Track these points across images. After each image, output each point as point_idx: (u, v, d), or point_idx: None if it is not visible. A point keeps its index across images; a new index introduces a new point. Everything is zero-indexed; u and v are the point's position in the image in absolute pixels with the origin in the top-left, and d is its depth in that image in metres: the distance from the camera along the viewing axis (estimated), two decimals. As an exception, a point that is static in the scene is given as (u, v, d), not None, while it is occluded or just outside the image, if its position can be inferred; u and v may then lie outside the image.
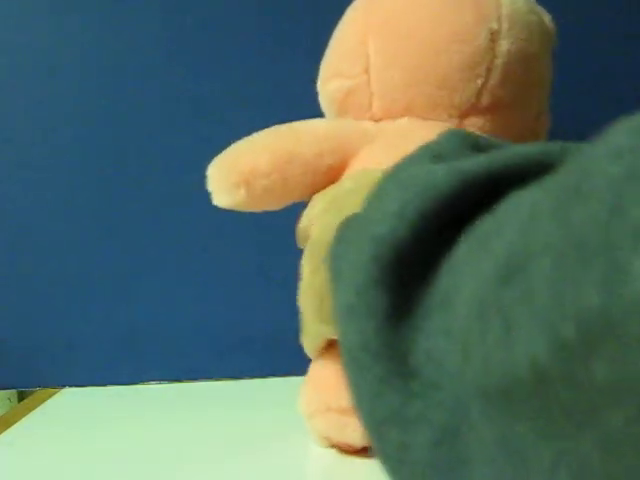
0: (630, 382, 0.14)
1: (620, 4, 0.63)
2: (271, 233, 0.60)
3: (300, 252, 0.42)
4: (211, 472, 0.41)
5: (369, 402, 0.21)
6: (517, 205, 0.19)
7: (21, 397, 0.68)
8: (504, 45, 0.41)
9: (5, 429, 0.49)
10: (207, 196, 0.56)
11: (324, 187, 0.42)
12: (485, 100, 0.42)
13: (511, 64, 0.42)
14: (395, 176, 0.24)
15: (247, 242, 0.62)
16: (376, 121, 0.44)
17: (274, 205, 0.43)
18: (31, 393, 0.62)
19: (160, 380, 0.62)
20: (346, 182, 0.37)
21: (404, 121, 0.42)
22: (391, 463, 0.21)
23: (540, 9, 0.45)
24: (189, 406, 0.55)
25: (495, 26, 0.41)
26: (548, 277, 0.16)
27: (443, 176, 0.21)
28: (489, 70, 0.41)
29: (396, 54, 0.42)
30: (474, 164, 0.21)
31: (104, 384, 0.62)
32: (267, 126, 0.44)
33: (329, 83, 0.45)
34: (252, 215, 0.52)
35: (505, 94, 0.43)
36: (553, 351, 0.15)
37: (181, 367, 0.63)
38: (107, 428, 0.49)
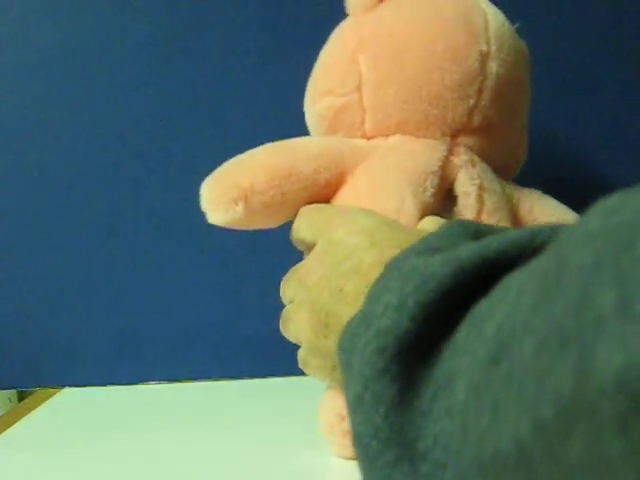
0: (604, 459, 0.15)
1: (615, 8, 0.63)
2: (271, 233, 0.60)
3: (299, 252, 0.42)
4: (211, 472, 0.41)
5: None
6: (506, 289, 0.20)
7: (21, 397, 0.68)
8: (493, 67, 0.42)
9: (5, 429, 0.49)
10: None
11: (321, 202, 0.42)
12: (476, 120, 0.42)
13: (500, 86, 0.42)
14: (395, 269, 0.25)
15: (247, 242, 0.62)
16: (368, 139, 0.44)
17: (271, 222, 0.43)
18: (31, 393, 0.62)
19: (160, 380, 0.62)
20: (339, 230, 0.36)
21: (397, 138, 0.43)
22: None
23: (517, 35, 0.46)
24: (189, 406, 0.55)
25: (485, 48, 0.42)
26: (530, 360, 0.17)
27: (440, 267, 0.22)
28: (480, 91, 0.42)
29: (389, 71, 0.42)
30: (469, 253, 0.22)
31: (104, 384, 0.62)
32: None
33: (318, 102, 0.45)
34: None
35: (494, 115, 0.43)
36: (534, 429, 0.17)
37: (181, 367, 0.63)
38: (107, 428, 0.49)
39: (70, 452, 0.44)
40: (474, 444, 0.19)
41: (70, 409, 0.56)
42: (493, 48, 0.42)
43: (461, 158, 0.42)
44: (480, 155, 0.43)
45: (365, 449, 0.22)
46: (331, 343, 0.33)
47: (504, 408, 0.18)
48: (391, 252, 0.28)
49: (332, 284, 0.33)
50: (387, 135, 0.43)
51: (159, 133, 0.63)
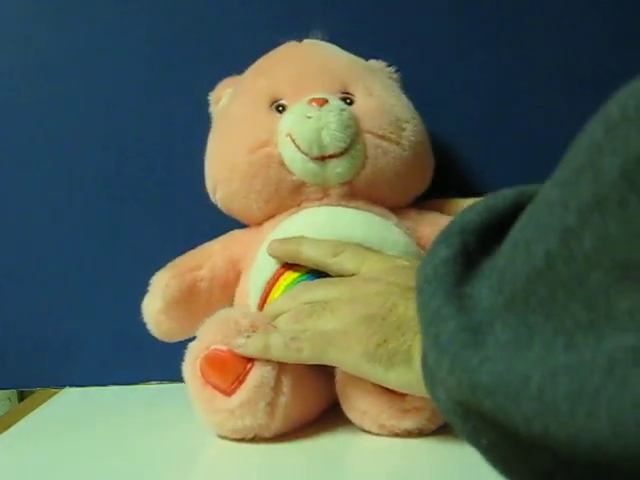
0: (608, 243, 0.20)
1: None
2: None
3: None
4: (211, 472, 0.41)
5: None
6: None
7: (21, 397, 0.68)
8: None
9: (5, 429, 0.49)
10: (207, 198, 0.56)
11: None
12: None
13: None
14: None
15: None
16: None
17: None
18: (31, 393, 0.62)
19: (160, 380, 0.62)
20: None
21: None
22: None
23: None
24: (189, 406, 0.55)
25: None
26: (552, 195, 0.23)
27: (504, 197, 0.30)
28: None
29: None
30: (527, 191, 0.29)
31: (104, 384, 0.62)
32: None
33: None
34: (252, 215, 0.52)
35: None
36: (560, 237, 0.22)
37: (181, 367, 0.62)
38: (107, 428, 0.49)
39: (70, 452, 0.44)
40: (509, 279, 0.24)
41: (70, 409, 0.56)
42: None
43: None
44: None
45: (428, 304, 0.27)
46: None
47: (533, 236, 0.23)
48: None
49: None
50: None
51: (160, 133, 0.63)
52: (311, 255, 0.45)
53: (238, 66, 0.57)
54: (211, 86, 0.58)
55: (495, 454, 0.25)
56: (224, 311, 0.45)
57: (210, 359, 0.42)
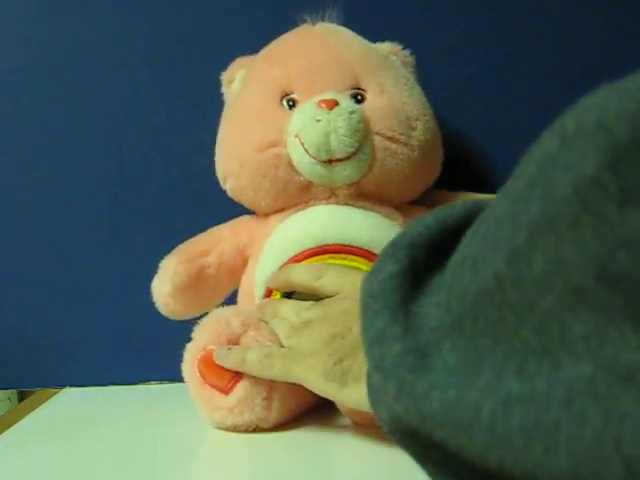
0: (561, 266, 0.19)
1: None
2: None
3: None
4: (211, 472, 0.41)
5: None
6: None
7: (21, 397, 0.68)
8: None
9: (5, 429, 0.49)
10: (208, 198, 0.56)
11: None
12: None
13: None
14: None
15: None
16: None
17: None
18: (31, 393, 0.62)
19: (160, 380, 0.62)
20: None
21: None
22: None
23: None
24: (189, 406, 0.55)
25: None
26: (504, 211, 0.22)
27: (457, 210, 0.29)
28: None
29: None
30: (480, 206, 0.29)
31: (104, 384, 0.62)
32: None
33: None
34: (252, 215, 0.52)
35: None
36: (508, 259, 0.21)
37: (181, 367, 0.62)
38: (107, 428, 0.49)
39: (70, 452, 0.44)
40: (456, 300, 0.24)
41: (70, 409, 0.56)
42: None
43: None
44: None
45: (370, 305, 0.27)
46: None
47: (481, 256, 0.22)
48: None
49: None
50: None
51: (160, 133, 0.63)
52: (298, 281, 0.46)
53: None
54: (211, 85, 0.58)
55: (447, 474, 0.25)
56: (218, 310, 0.47)
57: (206, 360, 0.44)
